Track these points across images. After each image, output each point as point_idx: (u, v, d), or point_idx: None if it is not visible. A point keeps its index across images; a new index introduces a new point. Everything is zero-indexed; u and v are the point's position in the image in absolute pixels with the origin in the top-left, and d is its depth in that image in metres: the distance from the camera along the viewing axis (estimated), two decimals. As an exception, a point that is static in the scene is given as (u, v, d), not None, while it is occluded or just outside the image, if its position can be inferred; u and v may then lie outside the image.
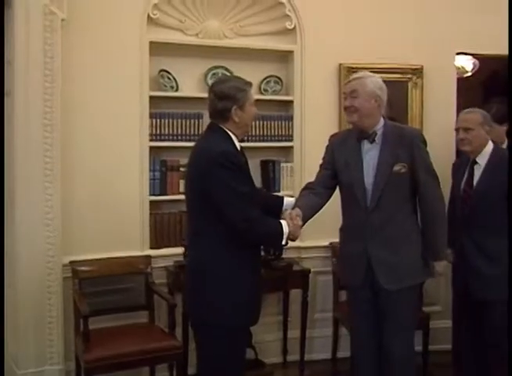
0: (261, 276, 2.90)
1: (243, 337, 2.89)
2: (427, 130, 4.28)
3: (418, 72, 4.46)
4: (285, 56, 4.43)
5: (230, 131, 2.77)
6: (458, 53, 4.71)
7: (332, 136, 3.33)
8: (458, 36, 4.48)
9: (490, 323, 3.52)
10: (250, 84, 2.84)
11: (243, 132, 2.85)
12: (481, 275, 3.48)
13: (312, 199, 3.12)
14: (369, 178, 3.06)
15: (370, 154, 3.09)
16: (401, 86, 4.43)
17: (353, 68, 4.32)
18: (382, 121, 3.13)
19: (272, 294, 4.25)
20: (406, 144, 3.05)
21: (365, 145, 3.11)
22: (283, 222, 2.76)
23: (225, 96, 2.73)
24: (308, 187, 3.23)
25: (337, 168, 3.18)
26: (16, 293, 3.64)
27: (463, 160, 3.72)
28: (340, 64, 4.37)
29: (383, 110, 3.12)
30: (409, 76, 4.45)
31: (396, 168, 3.02)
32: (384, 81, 4.29)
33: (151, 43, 4.02)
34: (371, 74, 3.18)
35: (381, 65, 4.33)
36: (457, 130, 3.64)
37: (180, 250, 3.96)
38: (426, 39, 4.44)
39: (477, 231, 3.52)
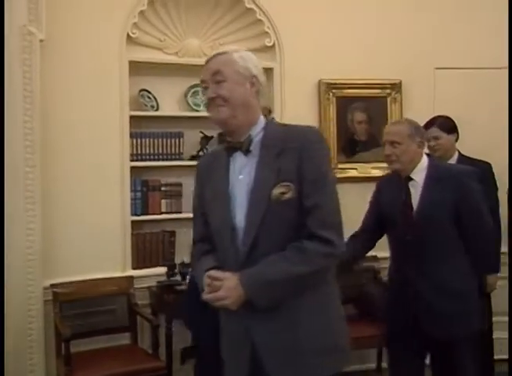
0: None
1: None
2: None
3: (397, 87, 4.48)
4: (265, 73, 4.41)
5: None
6: (437, 68, 4.75)
7: (201, 157, 2.37)
8: (436, 50, 4.51)
9: (453, 363, 2.93)
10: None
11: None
12: (437, 312, 2.87)
13: None
14: (241, 210, 1.97)
15: (244, 173, 2.00)
16: (380, 102, 4.46)
17: (332, 84, 4.37)
18: (263, 118, 2.06)
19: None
20: (293, 151, 1.94)
21: (238, 159, 2.02)
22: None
23: None
24: None
25: (204, 204, 2.11)
26: (-4, 317, 3.59)
27: (393, 179, 3.08)
28: (320, 80, 4.39)
29: (263, 99, 2.08)
30: (388, 91, 4.47)
31: (276, 191, 1.91)
32: (364, 97, 4.47)
33: (131, 62, 4.01)
34: (238, 48, 2.13)
35: (360, 80, 4.39)
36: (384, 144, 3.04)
37: (163, 270, 3.94)
38: (404, 54, 4.46)
39: (424, 260, 2.89)
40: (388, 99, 4.48)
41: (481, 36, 4.46)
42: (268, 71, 4.38)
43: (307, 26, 4.35)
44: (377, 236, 3.15)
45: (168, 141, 4.12)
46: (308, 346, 1.94)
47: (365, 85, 4.42)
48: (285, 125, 2.12)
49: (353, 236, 3.11)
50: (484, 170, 3.75)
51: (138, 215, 4.09)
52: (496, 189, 3.86)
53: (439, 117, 3.87)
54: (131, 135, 4.04)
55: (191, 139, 4.18)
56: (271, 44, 4.34)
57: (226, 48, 2.09)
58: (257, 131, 2.01)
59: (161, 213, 4.14)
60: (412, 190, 2.94)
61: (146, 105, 4.15)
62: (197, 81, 4.25)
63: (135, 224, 4.08)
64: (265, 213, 1.91)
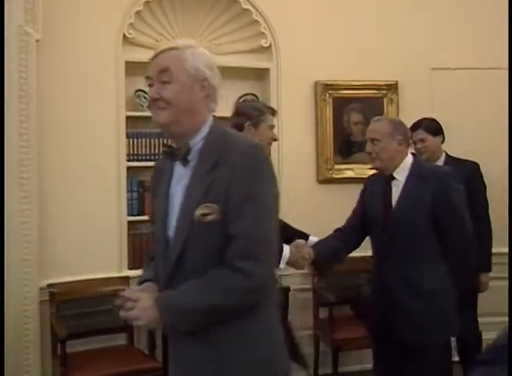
0: None
1: None
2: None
3: (393, 88, 4.48)
4: (261, 74, 4.44)
5: None
6: (433, 68, 4.75)
7: (157, 160, 2.24)
8: (433, 51, 4.51)
9: (425, 369, 2.85)
10: (270, 109, 2.97)
11: None
12: (409, 314, 2.81)
13: None
14: (173, 223, 1.87)
15: (181, 184, 1.87)
16: (376, 103, 4.45)
17: (329, 85, 4.37)
18: (209, 124, 1.88)
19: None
20: (226, 167, 1.77)
21: (177, 167, 1.90)
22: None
23: (241, 113, 2.90)
24: None
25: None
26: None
27: (379, 178, 3.05)
28: (316, 81, 4.39)
29: (214, 104, 1.90)
30: (384, 92, 4.47)
31: (199, 211, 1.76)
32: (360, 98, 4.48)
33: (127, 63, 4.01)
34: (191, 43, 1.90)
35: (357, 81, 4.39)
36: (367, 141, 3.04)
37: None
38: (400, 55, 4.46)
39: (400, 261, 2.84)
40: (385, 100, 4.48)
41: (480, 36, 4.47)
42: (265, 72, 4.41)
43: (303, 27, 4.35)
44: (361, 235, 3.12)
45: (164, 141, 4.11)
46: (235, 369, 1.81)
47: (362, 86, 4.43)
48: (228, 134, 1.89)
49: (337, 233, 3.15)
50: (472, 170, 3.77)
51: (135, 216, 4.09)
52: (485, 188, 3.85)
53: (425, 119, 3.88)
54: (128, 136, 4.04)
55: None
56: (267, 45, 4.34)
57: (178, 43, 1.87)
58: (198, 140, 1.85)
59: (157, 213, 4.14)
60: (394, 189, 2.90)
61: (142, 105, 4.14)
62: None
63: (131, 224, 4.08)
64: (189, 232, 1.78)
